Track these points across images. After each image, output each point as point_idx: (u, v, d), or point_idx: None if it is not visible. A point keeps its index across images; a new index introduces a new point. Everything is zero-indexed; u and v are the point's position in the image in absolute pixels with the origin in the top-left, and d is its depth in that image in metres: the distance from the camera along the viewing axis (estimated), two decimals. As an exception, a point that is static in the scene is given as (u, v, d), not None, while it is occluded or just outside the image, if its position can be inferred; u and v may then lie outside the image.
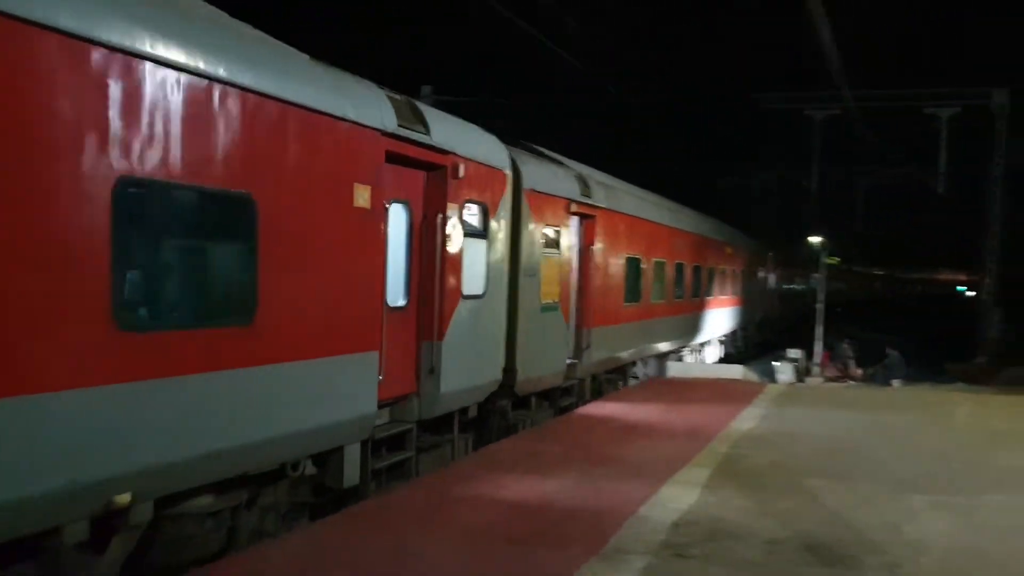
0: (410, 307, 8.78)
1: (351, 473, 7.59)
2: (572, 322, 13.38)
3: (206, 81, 5.70)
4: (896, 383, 23.74)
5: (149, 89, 5.29)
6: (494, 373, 10.61)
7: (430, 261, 8.91)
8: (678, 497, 8.30)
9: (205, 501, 6.06)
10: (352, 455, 7.60)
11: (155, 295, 5.47)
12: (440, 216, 8.98)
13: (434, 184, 9.01)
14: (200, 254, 5.88)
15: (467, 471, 8.94)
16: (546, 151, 13.68)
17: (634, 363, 17.25)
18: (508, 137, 11.55)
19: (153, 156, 5.30)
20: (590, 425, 12.11)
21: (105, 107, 5.00)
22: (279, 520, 7.10)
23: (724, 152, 43.71)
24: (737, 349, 29.41)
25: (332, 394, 7.16)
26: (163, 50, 5.36)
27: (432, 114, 8.94)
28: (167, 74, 5.42)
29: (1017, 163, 34.79)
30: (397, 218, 8.50)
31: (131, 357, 5.16)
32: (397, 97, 8.30)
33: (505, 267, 10.80)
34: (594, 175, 14.79)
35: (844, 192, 44.53)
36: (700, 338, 23.05)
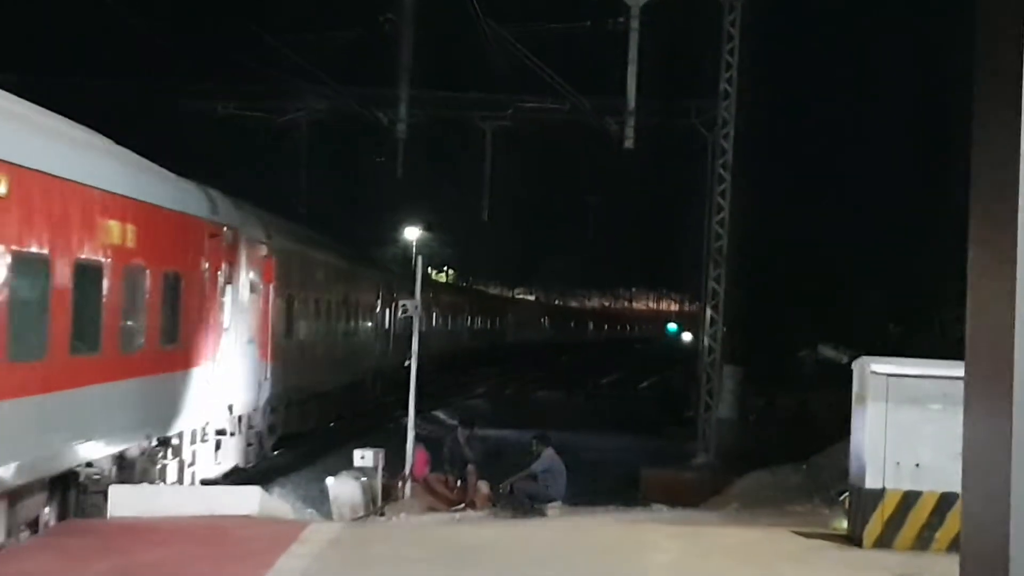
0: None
1: None
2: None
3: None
4: (552, 508, 25.66)
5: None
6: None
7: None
8: None
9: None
10: None
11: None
12: (217, 271, 24.56)
13: (214, 247, 24.37)
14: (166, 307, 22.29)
15: None
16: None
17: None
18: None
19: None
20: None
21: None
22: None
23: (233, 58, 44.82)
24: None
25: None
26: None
27: (215, 196, 25.50)
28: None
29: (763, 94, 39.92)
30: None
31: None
32: (209, 191, 25.40)
33: (242, 307, 26.98)
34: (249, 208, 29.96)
35: (459, 145, 47.65)
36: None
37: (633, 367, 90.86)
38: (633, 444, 42.88)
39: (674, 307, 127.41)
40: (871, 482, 18.37)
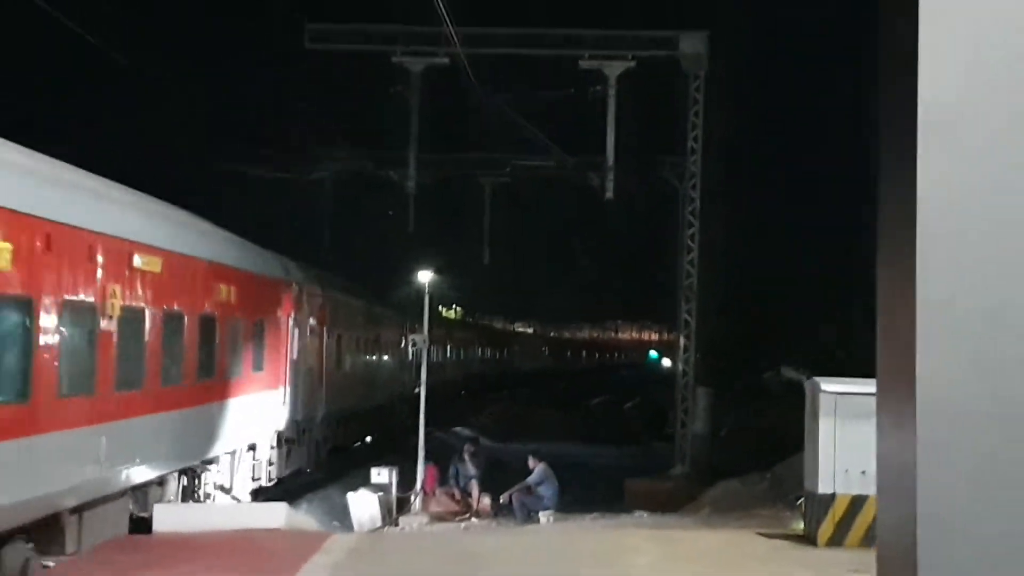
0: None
1: None
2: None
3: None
4: (545, 516, 25.53)
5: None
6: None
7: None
8: None
9: None
10: None
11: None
12: (288, 317, 28.96)
13: (286, 299, 29.12)
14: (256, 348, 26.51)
15: None
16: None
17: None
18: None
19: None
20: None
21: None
22: None
23: (262, 123, 44.91)
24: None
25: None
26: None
27: (286, 260, 30.59)
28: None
29: (723, 148, 39.91)
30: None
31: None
32: (282, 258, 30.42)
33: (304, 344, 30.88)
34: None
35: (463, 199, 47.68)
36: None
37: (620, 390, 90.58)
38: (619, 456, 42.81)
39: (655, 336, 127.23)
40: (823, 488, 18.25)
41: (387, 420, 44.91)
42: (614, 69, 37.34)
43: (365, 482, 26.55)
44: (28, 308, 14.66)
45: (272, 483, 27.42)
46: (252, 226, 31.54)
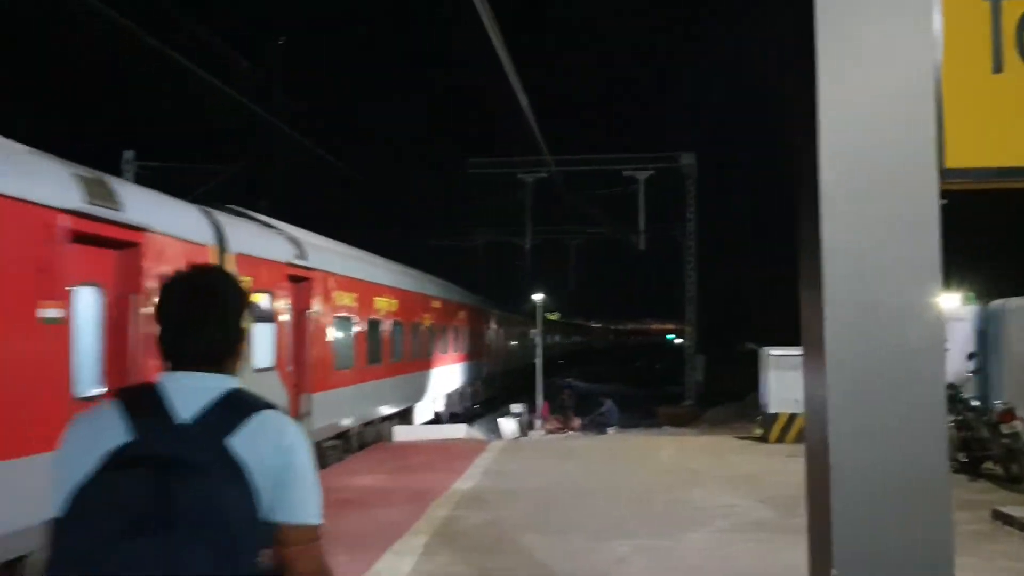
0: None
1: None
2: None
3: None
4: (611, 430, 25.30)
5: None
6: None
7: None
8: (393, 569, 8.14)
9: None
10: None
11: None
12: (482, 326, 33.64)
13: (478, 317, 32.60)
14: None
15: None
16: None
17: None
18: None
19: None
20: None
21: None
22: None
23: (439, 214, 45.50)
24: (472, 402, 32.90)
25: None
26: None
27: (479, 297, 33.61)
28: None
29: (707, 218, 39.28)
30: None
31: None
32: (476, 295, 33.04)
33: (488, 338, 35.65)
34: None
35: (557, 251, 47.67)
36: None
37: (652, 356, 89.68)
38: (652, 394, 42.17)
39: (672, 326, 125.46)
40: (773, 409, 17.88)
41: (523, 376, 44.58)
42: (643, 175, 37.10)
43: (508, 411, 26.50)
44: (398, 326, 19.58)
45: (479, 404, 30.97)
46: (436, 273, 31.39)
